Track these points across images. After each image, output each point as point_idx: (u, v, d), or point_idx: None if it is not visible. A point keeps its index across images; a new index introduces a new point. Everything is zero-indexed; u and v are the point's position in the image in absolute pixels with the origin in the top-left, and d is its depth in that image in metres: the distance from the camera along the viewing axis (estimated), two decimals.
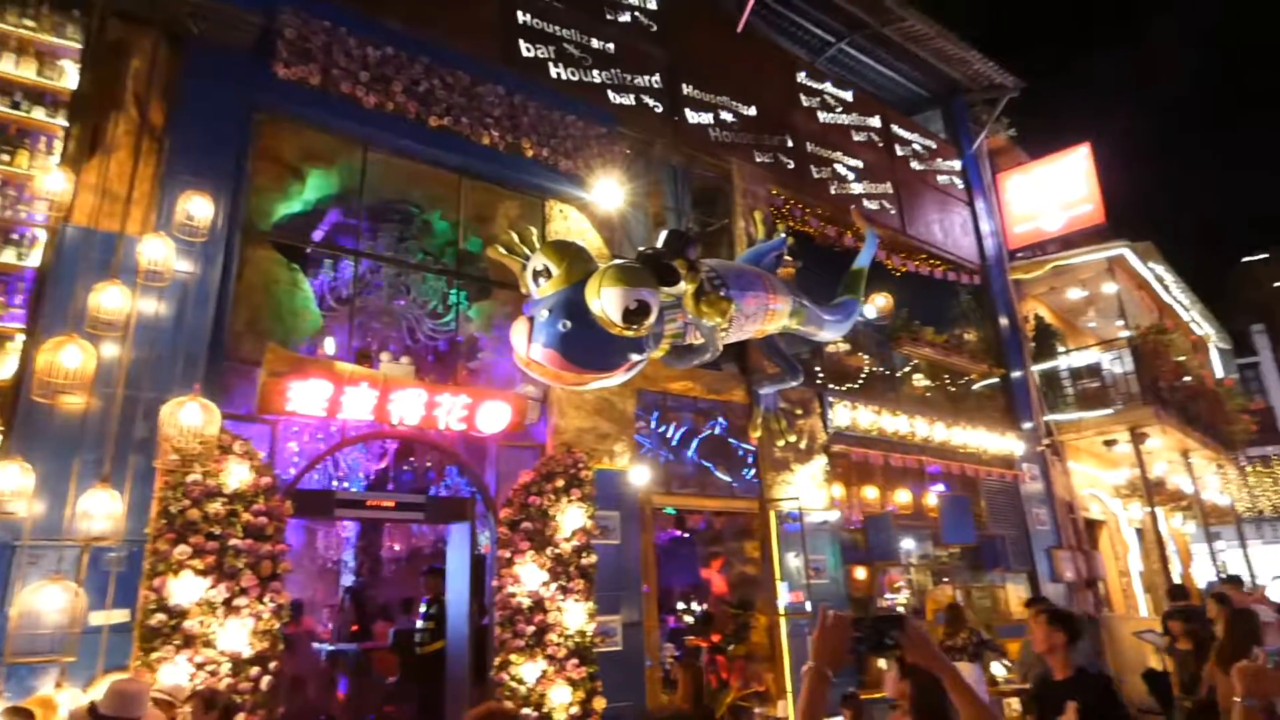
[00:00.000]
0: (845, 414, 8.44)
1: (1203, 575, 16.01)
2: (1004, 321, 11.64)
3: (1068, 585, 10.29)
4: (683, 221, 8.56)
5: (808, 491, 7.88)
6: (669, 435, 7.22)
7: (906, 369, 10.20)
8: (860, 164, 10.55)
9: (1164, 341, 11.58)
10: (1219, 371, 17.39)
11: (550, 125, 7.01)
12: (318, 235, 7.27)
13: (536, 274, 5.71)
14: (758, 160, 9.12)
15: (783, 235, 8.61)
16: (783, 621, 7.08)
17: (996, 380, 11.33)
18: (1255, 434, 17.34)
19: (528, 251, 6.12)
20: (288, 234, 6.50)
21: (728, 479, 7.49)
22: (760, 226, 8.99)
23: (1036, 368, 11.75)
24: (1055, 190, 12.34)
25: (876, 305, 10.85)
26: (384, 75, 5.97)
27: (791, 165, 9.57)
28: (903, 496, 9.18)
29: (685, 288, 6.23)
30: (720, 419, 7.63)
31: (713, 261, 7.46)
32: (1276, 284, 27.87)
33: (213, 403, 4.33)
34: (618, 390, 6.59)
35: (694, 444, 7.37)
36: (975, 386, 11.59)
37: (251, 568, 4.46)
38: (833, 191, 10.00)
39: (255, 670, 4.35)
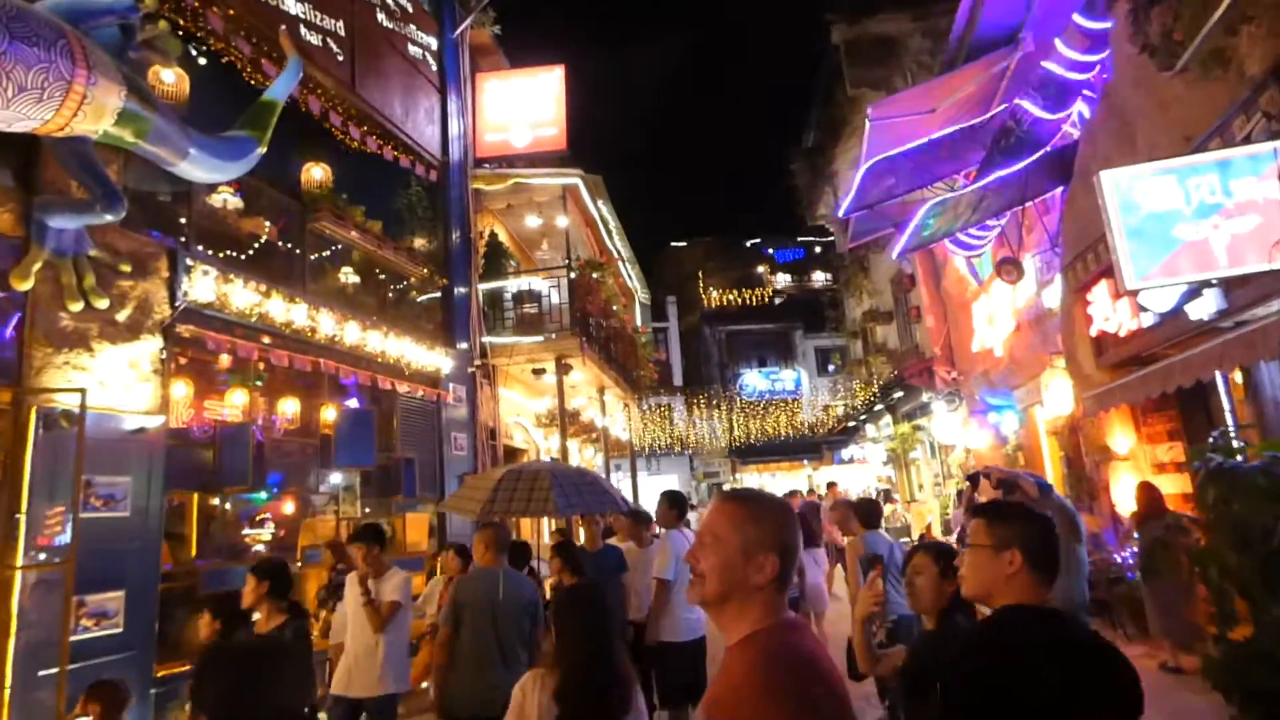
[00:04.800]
0: (210, 286, 6.07)
1: None
2: (456, 229, 10.59)
3: None
4: None
5: (122, 384, 5.34)
6: None
7: (327, 253, 8.24)
8: None
9: (598, 279, 11.97)
10: (639, 322, 19.77)
11: None
12: None
13: None
14: None
15: (136, 5, 5.75)
16: (17, 580, 4.48)
17: (438, 291, 10.22)
18: (656, 382, 20.33)
19: None
20: None
21: None
22: None
23: (483, 286, 11.01)
24: (528, 106, 11.77)
25: (313, 176, 8.69)
26: None
27: None
28: (290, 406, 7.25)
29: None
30: None
31: None
32: (689, 267, 34.20)
33: None
34: None
35: None
36: (422, 298, 10.32)
37: None
38: None
39: None
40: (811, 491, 17.32)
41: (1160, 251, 4.11)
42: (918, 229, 7.94)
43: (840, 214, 9.10)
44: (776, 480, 27.88)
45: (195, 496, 6.46)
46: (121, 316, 5.46)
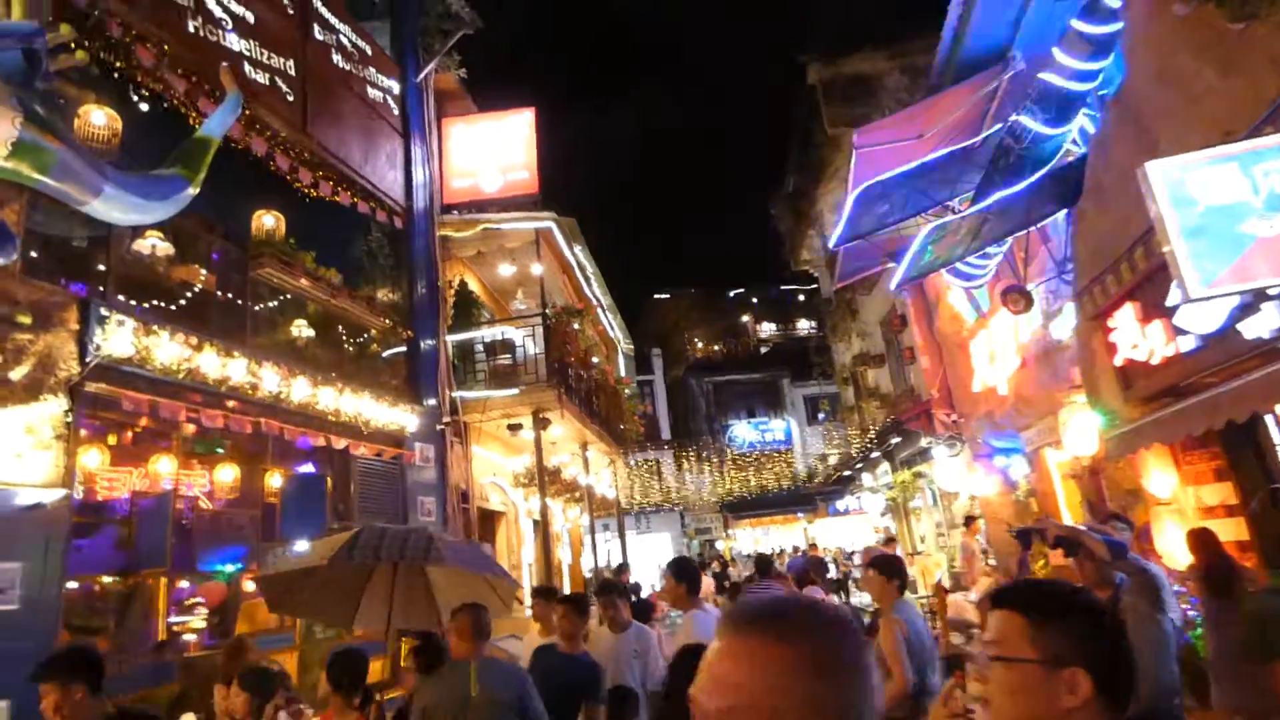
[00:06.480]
0: (127, 339, 5.32)
1: (589, 563, 16.97)
2: (422, 279, 9.94)
3: None
4: None
5: (13, 453, 4.55)
6: None
7: (274, 303, 7.54)
8: (252, 17, 7.62)
9: (576, 327, 11.32)
10: (623, 372, 19.05)
11: None
12: None
13: None
14: None
15: (42, 30, 5.16)
16: None
17: (403, 344, 9.51)
18: (643, 436, 19.51)
19: None
20: None
21: None
22: (16, 2, 5.47)
23: (452, 337, 10.32)
24: (497, 151, 11.31)
25: (265, 224, 8.12)
26: None
27: None
28: (227, 474, 6.43)
29: None
30: None
31: None
32: (673, 318, 33.78)
33: None
34: None
35: None
36: (385, 352, 9.60)
37: None
38: (193, 29, 6.85)
39: None
40: (813, 546, 16.45)
41: (1229, 252, 3.50)
42: (917, 256, 7.37)
43: (832, 245, 8.55)
44: (770, 536, 26.85)
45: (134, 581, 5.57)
46: (17, 374, 4.71)
